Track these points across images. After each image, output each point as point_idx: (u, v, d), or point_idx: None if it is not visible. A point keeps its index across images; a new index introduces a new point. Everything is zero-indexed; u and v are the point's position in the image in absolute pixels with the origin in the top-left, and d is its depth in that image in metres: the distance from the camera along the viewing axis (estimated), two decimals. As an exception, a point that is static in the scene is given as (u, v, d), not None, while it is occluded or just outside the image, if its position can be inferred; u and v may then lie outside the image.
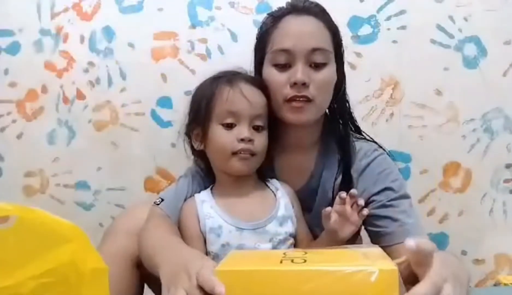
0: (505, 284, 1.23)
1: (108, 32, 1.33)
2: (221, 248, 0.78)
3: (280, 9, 0.88)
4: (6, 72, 1.35)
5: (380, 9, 1.27)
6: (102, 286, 0.52)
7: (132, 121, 1.33)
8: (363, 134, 0.93)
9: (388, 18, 1.27)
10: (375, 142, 0.91)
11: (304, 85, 0.81)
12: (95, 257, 0.52)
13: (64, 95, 1.34)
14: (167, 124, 1.32)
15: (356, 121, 0.94)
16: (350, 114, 0.93)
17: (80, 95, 1.34)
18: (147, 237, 0.78)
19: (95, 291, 0.52)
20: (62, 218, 0.51)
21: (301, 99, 0.81)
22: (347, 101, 0.92)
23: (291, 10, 0.86)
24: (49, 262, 0.48)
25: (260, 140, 0.81)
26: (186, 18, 1.31)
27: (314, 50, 0.82)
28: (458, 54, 1.26)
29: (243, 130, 0.79)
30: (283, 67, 0.83)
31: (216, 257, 0.79)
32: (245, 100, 0.79)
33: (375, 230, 0.83)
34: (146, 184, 1.34)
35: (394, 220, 0.81)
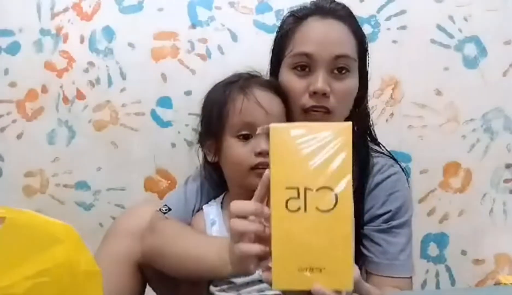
0: (505, 284, 1.23)
1: (108, 32, 1.32)
2: None
3: (303, 8, 0.83)
4: (6, 72, 1.35)
5: (380, 9, 1.27)
6: (95, 289, 0.52)
7: (132, 121, 1.33)
8: (381, 147, 0.90)
9: (388, 18, 1.26)
10: (393, 157, 0.88)
11: (325, 95, 0.77)
12: (88, 259, 0.51)
13: (64, 95, 1.34)
14: (167, 124, 1.32)
15: (375, 134, 0.91)
16: (369, 127, 0.90)
17: (80, 95, 1.34)
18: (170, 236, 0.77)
19: (89, 293, 0.51)
20: (55, 219, 0.51)
21: (319, 110, 0.77)
22: (369, 115, 0.89)
23: (316, 11, 0.81)
24: (43, 262, 0.48)
25: None
26: (186, 18, 1.31)
27: (337, 57, 0.77)
28: (458, 54, 1.26)
29: (260, 143, 0.73)
30: (302, 70, 0.79)
31: (219, 279, 0.78)
32: (261, 109, 0.74)
33: (365, 253, 0.80)
34: (146, 184, 1.34)
35: (386, 252, 0.78)
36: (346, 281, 0.50)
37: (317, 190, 0.50)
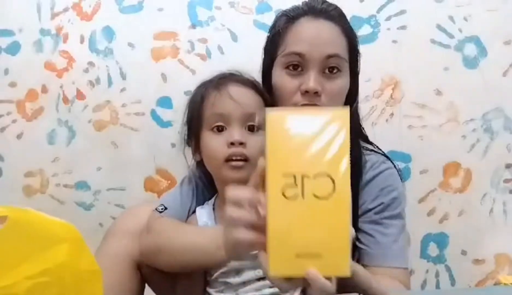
0: (505, 284, 1.22)
1: (108, 32, 1.33)
2: (221, 274, 0.77)
3: (296, 8, 0.84)
4: (6, 72, 1.35)
5: (380, 9, 1.27)
6: (96, 289, 0.52)
7: (132, 121, 1.33)
8: (373, 145, 0.90)
9: (388, 18, 1.26)
10: (385, 155, 0.88)
11: (316, 94, 0.78)
12: (89, 259, 0.51)
13: (64, 95, 1.34)
14: (167, 124, 1.32)
15: (365, 133, 0.92)
16: (360, 125, 0.91)
17: (80, 95, 1.34)
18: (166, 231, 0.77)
19: (90, 293, 0.51)
20: (57, 218, 0.51)
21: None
22: (359, 114, 0.90)
23: (308, 11, 0.82)
24: (44, 262, 0.48)
25: (256, 142, 0.75)
26: (186, 18, 1.31)
27: (329, 57, 0.79)
28: (458, 54, 1.26)
29: (233, 133, 0.74)
30: (294, 69, 0.80)
31: (215, 281, 0.78)
32: (232, 101, 0.75)
33: (359, 245, 0.80)
34: (146, 184, 1.34)
35: (379, 242, 0.79)
36: (343, 267, 0.49)
37: (315, 176, 0.48)
